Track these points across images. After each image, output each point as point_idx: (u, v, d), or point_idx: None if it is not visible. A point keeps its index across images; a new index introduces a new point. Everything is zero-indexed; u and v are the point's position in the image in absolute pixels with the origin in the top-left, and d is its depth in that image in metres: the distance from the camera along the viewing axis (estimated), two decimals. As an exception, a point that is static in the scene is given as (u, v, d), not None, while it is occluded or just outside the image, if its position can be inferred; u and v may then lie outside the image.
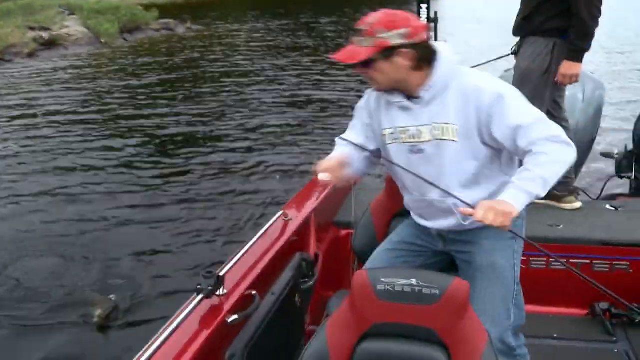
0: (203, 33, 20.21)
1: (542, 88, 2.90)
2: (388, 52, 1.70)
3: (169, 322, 1.73)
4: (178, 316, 1.75)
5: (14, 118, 9.49)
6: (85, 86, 12.13)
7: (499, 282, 1.90)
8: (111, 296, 4.04)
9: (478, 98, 1.70)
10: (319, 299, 2.65)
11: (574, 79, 2.85)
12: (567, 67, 2.82)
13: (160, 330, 1.69)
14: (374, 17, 1.71)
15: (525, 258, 2.11)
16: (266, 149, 7.64)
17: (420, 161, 1.82)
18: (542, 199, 3.17)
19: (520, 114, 1.67)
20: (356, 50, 1.72)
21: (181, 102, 10.49)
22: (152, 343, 1.62)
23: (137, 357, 1.57)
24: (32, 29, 17.52)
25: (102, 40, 18.21)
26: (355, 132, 1.99)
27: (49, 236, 5.11)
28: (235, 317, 1.84)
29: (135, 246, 4.89)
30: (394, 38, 1.69)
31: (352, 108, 2.03)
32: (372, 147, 1.96)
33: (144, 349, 1.60)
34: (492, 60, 3.70)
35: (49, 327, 3.76)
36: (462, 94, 1.73)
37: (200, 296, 1.81)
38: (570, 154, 1.67)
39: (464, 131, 1.74)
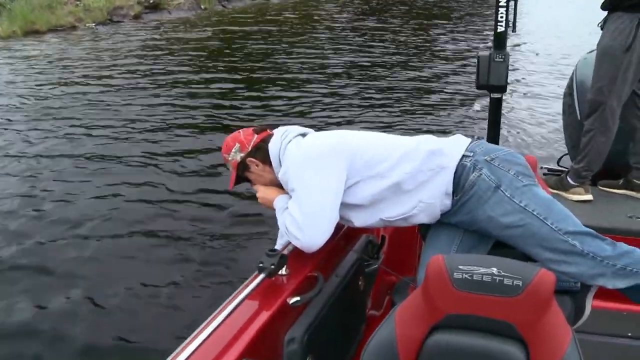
0: (297, 2, 20.20)
1: (624, 67, 2.65)
2: (242, 166, 2.09)
3: (228, 300, 1.69)
4: (238, 294, 1.71)
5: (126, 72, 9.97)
6: (193, 46, 12.59)
7: (528, 232, 1.85)
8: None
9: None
10: (380, 283, 2.55)
11: None
12: None
13: (220, 308, 1.65)
14: (221, 148, 2.13)
15: None
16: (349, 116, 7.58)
17: None
18: (620, 188, 3.00)
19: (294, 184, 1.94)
20: (231, 176, 2.14)
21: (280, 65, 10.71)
22: (212, 320, 1.58)
23: (195, 333, 1.53)
24: (136, -8, 18.24)
25: (202, 6, 18.74)
26: None
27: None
28: (297, 298, 1.76)
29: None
30: (235, 155, 2.08)
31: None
32: None
33: (203, 325, 1.56)
34: None
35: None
36: None
37: (262, 275, 1.74)
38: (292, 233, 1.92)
39: None
